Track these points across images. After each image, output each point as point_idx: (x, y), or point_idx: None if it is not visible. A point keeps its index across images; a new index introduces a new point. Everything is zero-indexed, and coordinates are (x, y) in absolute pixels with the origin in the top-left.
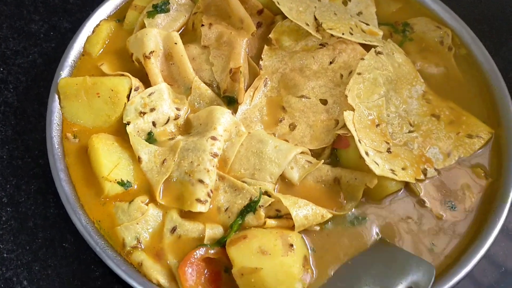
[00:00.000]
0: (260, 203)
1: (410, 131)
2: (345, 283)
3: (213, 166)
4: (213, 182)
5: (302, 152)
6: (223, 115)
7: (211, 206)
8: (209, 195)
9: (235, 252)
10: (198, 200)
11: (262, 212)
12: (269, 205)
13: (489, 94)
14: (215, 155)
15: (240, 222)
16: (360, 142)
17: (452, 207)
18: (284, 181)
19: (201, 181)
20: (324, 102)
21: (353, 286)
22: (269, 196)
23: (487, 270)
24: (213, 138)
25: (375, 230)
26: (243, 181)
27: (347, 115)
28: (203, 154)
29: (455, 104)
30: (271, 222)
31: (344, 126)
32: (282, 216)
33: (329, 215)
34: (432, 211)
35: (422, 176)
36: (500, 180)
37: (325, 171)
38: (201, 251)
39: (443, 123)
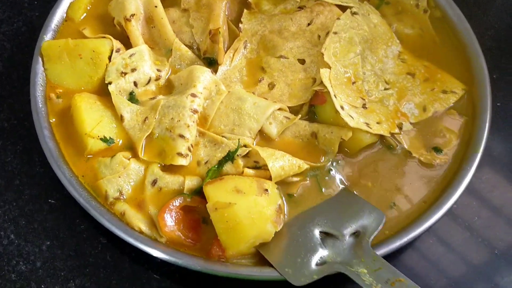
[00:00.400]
0: (238, 153)
1: (385, 89)
2: (299, 224)
3: (193, 122)
4: (193, 137)
5: (280, 109)
6: (203, 73)
7: (191, 159)
8: (189, 149)
9: (211, 190)
10: (179, 154)
11: (240, 161)
12: (247, 156)
13: (463, 53)
14: (195, 111)
15: (216, 168)
16: (335, 97)
17: (437, 151)
18: (262, 136)
19: (181, 136)
20: (302, 61)
21: (305, 225)
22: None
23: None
24: (193, 95)
25: (345, 182)
26: (223, 136)
27: (324, 72)
28: (183, 110)
29: (430, 63)
30: (249, 171)
31: (321, 83)
32: (260, 167)
33: (306, 166)
34: (420, 160)
35: (397, 130)
36: (473, 130)
37: (302, 126)
38: (179, 200)
39: (418, 81)
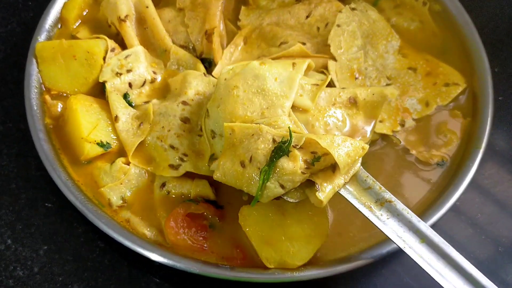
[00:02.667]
0: (292, 143)
1: (387, 84)
2: None
3: (184, 131)
4: (184, 146)
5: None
6: (195, 78)
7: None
8: (181, 159)
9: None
10: (171, 166)
11: (297, 152)
12: (301, 147)
13: (463, 47)
14: (186, 120)
15: (268, 167)
16: None
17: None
18: (298, 110)
19: (172, 147)
20: (302, 44)
21: None
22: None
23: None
24: (184, 103)
25: None
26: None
27: (331, 64)
28: (174, 119)
29: (431, 56)
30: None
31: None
32: (319, 157)
33: (367, 146)
34: (418, 158)
35: (399, 128)
36: (475, 126)
37: (337, 92)
38: (186, 206)
39: (420, 75)
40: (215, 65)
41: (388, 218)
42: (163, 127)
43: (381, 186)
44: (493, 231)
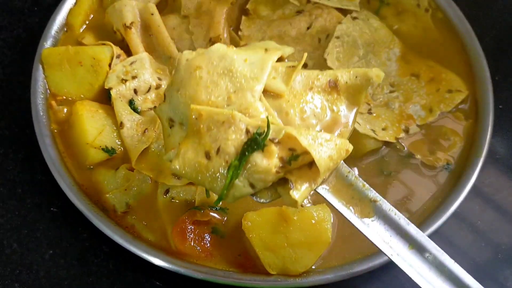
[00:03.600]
0: (269, 136)
1: (390, 91)
2: None
3: None
4: None
5: (278, 59)
6: None
7: None
8: None
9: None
10: (174, 175)
11: (274, 147)
12: (279, 142)
13: (464, 55)
14: None
15: (238, 161)
16: None
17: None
18: (270, 95)
19: None
20: (303, 65)
21: None
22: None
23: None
24: None
25: None
26: None
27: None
28: None
29: (434, 62)
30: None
31: None
32: (298, 156)
33: (351, 147)
34: (423, 162)
35: (402, 134)
36: (476, 134)
37: (315, 75)
38: (191, 215)
39: (423, 82)
40: None
41: (372, 221)
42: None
43: (364, 183)
44: (493, 238)
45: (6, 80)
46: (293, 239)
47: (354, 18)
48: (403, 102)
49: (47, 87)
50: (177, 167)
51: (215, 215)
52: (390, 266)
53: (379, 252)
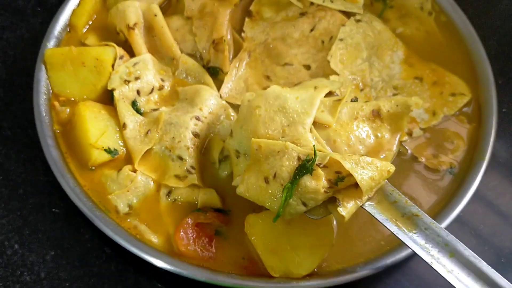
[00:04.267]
0: (316, 162)
1: (394, 94)
2: None
3: (193, 145)
4: (193, 159)
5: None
6: (211, 96)
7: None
8: (189, 171)
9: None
10: (177, 176)
11: (321, 171)
12: (325, 166)
13: (468, 59)
14: (196, 135)
15: (291, 185)
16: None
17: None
18: (319, 126)
19: (180, 158)
20: (307, 67)
21: None
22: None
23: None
24: (197, 118)
25: None
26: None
27: (333, 79)
28: (185, 131)
29: (437, 65)
30: None
31: None
32: (343, 178)
33: (393, 168)
34: (427, 165)
35: (406, 137)
36: (479, 137)
37: (359, 106)
38: (194, 217)
39: (427, 85)
40: (222, 73)
41: (415, 233)
42: (173, 137)
43: (407, 199)
44: (496, 242)
45: (8, 80)
46: (296, 242)
47: (358, 21)
48: None
49: (50, 88)
50: (242, 191)
51: (218, 216)
52: (393, 269)
53: (381, 255)
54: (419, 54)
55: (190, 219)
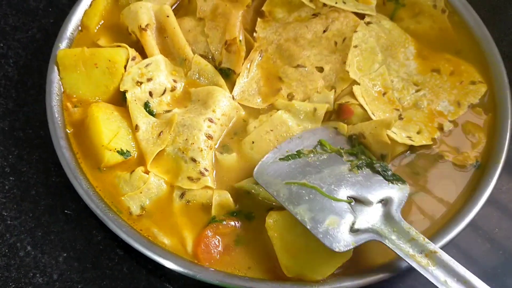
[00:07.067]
0: None
1: (416, 91)
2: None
3: (207, 147)
4: (206, 161)
5: None
6: (224, 97)
7: (209, 182)
8: (202, 174)
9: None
10: (190, 178)
11: None
12: None
13: (481, 60)
14: (209, 137)
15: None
16: (374, 116)
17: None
18: None
19: (193, 160)
20: (320, 69)
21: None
22: None
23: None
24: (210, 120)
25: None
26: None
27: (356, 89)
28: (199, 133)
29: (450, 55)
30: None
31: (345, 95)
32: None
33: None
34: (453, 162)
35: (438, 133)
36: (493, 140)
37: (345, 131)
38: (214, 228)
39: (445, 76)
40: (234, 74)
41: (435, 269)
42: (186, 139)
43: (424, 237)
44: (511, 246)
45: (20, 81)
46: (314, 246)
47: (368, 23)
48: (431, 99)
49: (62, 89)
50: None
51: (235, 223)
52: (407, 275)
53: (395, 260)
54: (431, 46)
55: (210, 231)
